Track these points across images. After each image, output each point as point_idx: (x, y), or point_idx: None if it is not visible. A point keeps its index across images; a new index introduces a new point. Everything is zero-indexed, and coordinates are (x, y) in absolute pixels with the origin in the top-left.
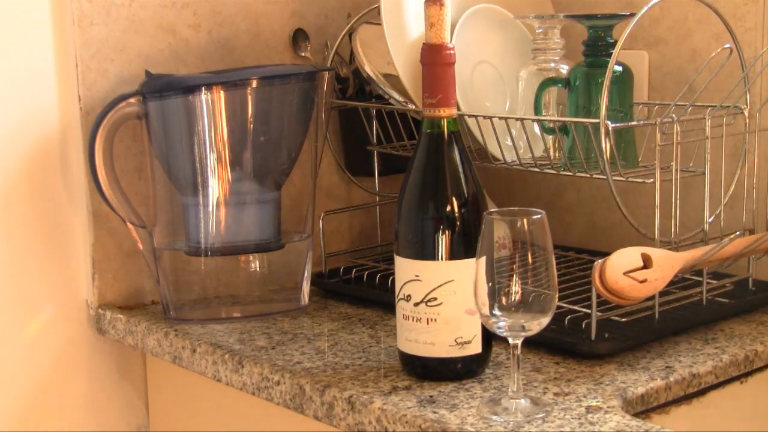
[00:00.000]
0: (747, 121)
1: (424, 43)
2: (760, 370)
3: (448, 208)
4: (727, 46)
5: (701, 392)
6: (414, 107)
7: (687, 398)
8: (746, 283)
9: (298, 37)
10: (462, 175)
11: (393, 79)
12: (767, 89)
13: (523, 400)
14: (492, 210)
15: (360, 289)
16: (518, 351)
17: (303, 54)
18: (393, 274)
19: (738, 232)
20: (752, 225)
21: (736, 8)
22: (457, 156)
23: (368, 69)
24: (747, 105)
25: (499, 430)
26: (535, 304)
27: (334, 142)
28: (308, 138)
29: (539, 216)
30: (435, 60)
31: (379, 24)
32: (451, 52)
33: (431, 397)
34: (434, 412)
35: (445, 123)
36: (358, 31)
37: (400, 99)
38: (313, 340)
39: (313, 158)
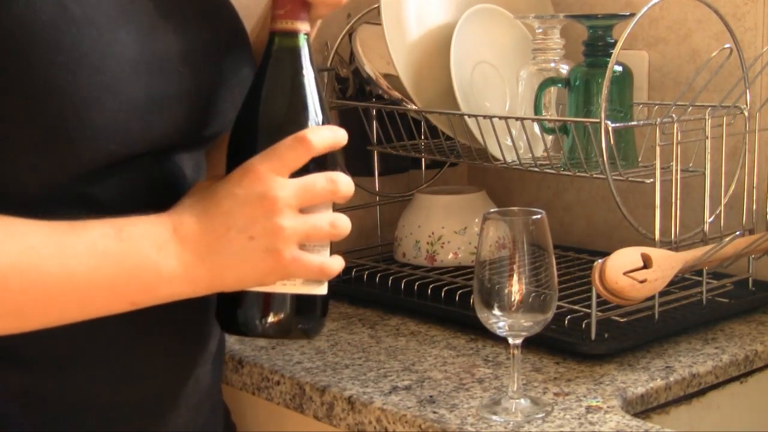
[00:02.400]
0: (747, 121)
1: None
2: (760, 370)
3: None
4: (727, 46)
5: (701, 392)
6: (414, 107)
7: (687, 398)
8: (746, 283)
9: None
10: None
11: (393, 79)
12: (767, 89)
13: (522, 400)
14: (492, 210)
15: (360, 288)
16: (518, 351)
17: None
18: (393, 273)
19: (738, 232)
20: (752, 225)
21: (736, 8)
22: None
23: (368, 69)
24: (747, 105)
25: (499, 430)
26: (535, 304)
27: None
28: None
29: (539, 216)
30: None
31: (379, 24)
32: None
33: (431, 397)
34: (434, 412)
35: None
36: (358, 31)
37: (400, 99)
38: (313, 340)
39: None
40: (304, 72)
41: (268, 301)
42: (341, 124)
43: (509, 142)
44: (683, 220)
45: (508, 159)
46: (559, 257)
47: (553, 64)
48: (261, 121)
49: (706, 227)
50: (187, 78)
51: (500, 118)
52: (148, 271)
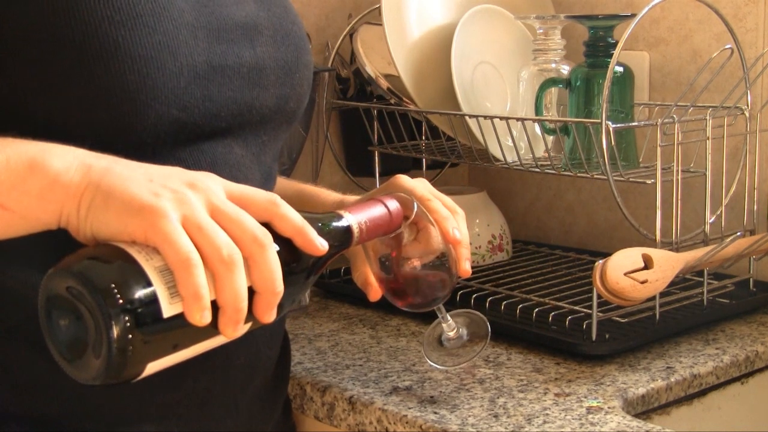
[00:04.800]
0: (748, 121)
1: None
2: (761, 370)
3: None
4: (728, 46)
5: (702, 393)
6: (415, 108)
7: (688, 399)
8: (747, 283)
9: None
10: None
11: (394, 80)
12: None
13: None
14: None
15: (361, 289)
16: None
17: None
18: None
19: (739, 233)
20: (753, 226)
21: (737, 9)
22: None
23: (369, 69)
24: (748, 106)
25: (500, 431)
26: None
27: (335, 143)
28: (309, 138)
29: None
30: None
31: (380, 24)
32: None
33: (432, 397)
34: (435, 413)
35: None
36: (359, 31)
37: (402, 99)
38: (314, 341)
39: (314, 159)
40: None
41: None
42: (343, 125)
43: (510, 143)
44: (684, 221)
45: (509, 159)
46: (559, 258)
47: (554, 65)
48: None
49: (707, 228)
50: (246, 52)
51: (501, 118)
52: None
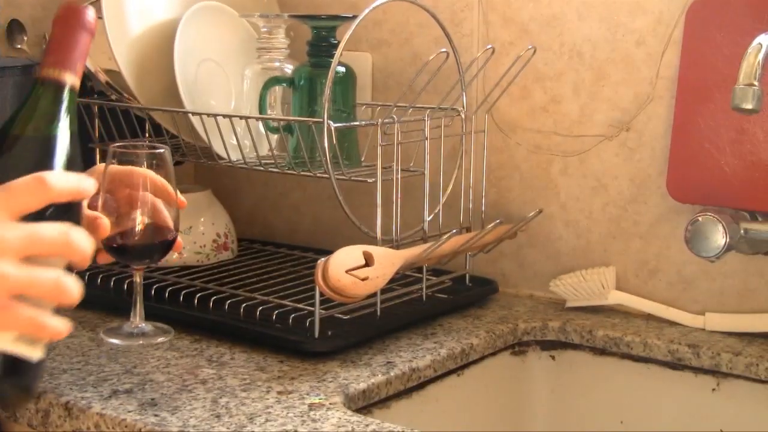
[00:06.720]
0: (464, 123)
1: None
2: (475, 362)
3: None
4: (444, 50)
5: (420, 386)
6: (138, 105)
7: (407, 392)
8: (464, 279)
9: (14, 28)
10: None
11: (115, 75)
12: (482, 93)
13: (144, 325)
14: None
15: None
16: (140, 279)
17: (19, 46)
18: (116, 274)
19: (454, 230)
20: (468, 223)
21: (454, 15)
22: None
23: (88, 63)
24: (464, 107)
25: (222, 431)
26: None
27: None
28: None
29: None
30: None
31: (101, 18)
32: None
33: (153, 399)
34: (155, 415)
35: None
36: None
37: (123, 95)
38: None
39: None
40: (61, 120)
41: None
42: None
43: (234, 141)
44: (406, 219)
45: (233, 158)
46: (285, 256)
47: (277, 63)
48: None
49: (426, 226)
50: None
51: (224, 116)
52: None
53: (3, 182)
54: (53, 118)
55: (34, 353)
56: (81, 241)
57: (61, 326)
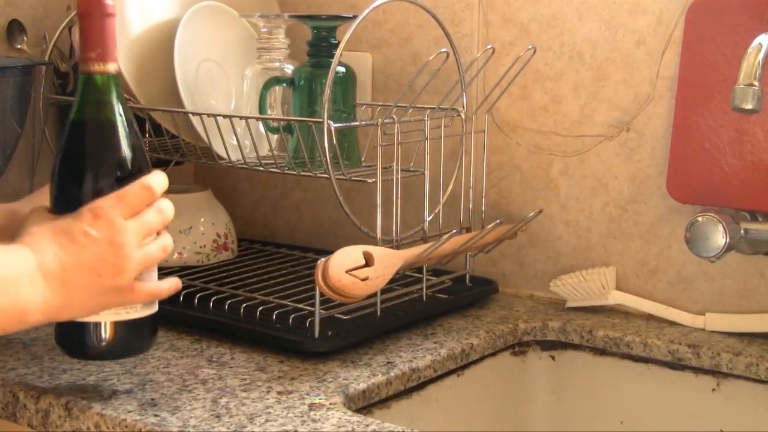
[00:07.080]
0: (464, 123)
1: None
2: (475, 362)
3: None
4: (444, 50)
5: (420, 386)
6: (138, 105)
7: (407, 392)
8: (464, 279)
9: (14, 28)
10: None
11: None
12: (482, 93)
13: None
14: None
15: None
16: None
17: (19, 46)
18: None
19: (454, 230)
20: (469, 223)
21: (454, 15)
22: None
23: None
24: (464, 107)
25: (222, 431)
26: None
27: (54, 140)
28: (25, 135)
29: None
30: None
31: None
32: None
33: (153, 399)
34: (156, 416)
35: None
36: (78, 24)
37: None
38: (29, 345)
39: (30, 155)
40: (124, 113)
41: (114, 328)
42: (62, 121)
43: (234, 141)
44: (406, 219)
45: (233, 158)
46: (285, 256)
47: (278, 64)
48: (90, 160)
49: (426, 226)
50: None
51: (224, 116)
52: (20, 303)
53: (74, 174)
54: (111, 106)
55: (154, 308)
56: (170, 209)
57: (174, 284)
